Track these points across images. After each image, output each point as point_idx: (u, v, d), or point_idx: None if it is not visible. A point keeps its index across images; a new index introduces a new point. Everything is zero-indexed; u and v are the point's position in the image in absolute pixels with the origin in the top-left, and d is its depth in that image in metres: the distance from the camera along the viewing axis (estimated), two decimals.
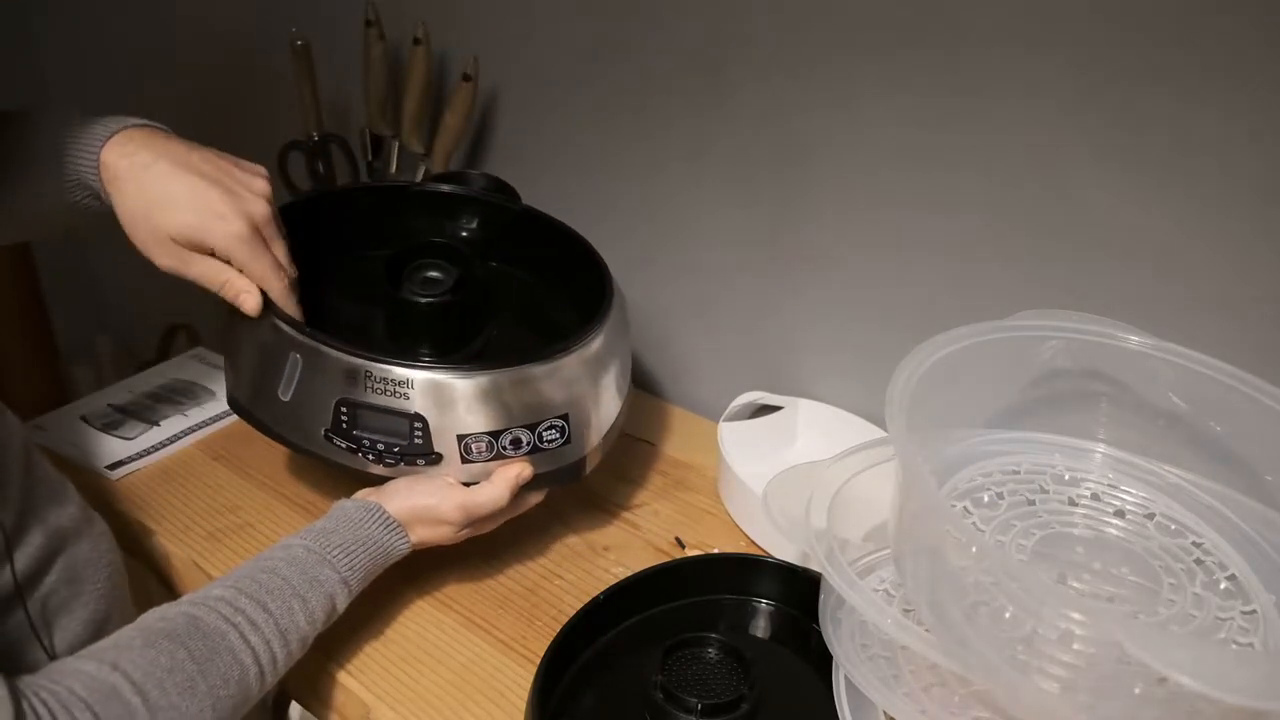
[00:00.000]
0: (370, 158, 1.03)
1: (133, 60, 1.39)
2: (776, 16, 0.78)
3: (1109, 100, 0.66)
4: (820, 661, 0.58)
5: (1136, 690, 0.42)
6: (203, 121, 1.36)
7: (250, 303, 0.64)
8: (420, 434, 0.63)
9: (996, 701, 0.51)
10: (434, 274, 0.72)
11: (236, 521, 0.78)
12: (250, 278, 0.63)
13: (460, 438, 0.64)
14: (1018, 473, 0.61)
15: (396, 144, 1.01)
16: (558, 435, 0.67)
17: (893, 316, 0.83)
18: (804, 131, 0.81)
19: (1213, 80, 0.62)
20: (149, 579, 0.79)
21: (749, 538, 0.78)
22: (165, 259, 0.62)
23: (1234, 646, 0.50)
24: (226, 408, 0.90)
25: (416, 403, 0.63)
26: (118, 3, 1.37)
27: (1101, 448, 0.62)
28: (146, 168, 0.61)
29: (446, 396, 0.63)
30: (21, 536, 0.57)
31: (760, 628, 0.69)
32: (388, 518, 0.64)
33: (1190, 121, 0.63)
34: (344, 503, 0.66)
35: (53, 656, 0.57)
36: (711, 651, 0.61)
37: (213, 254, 0.62)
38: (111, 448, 0.85)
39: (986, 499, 0.59)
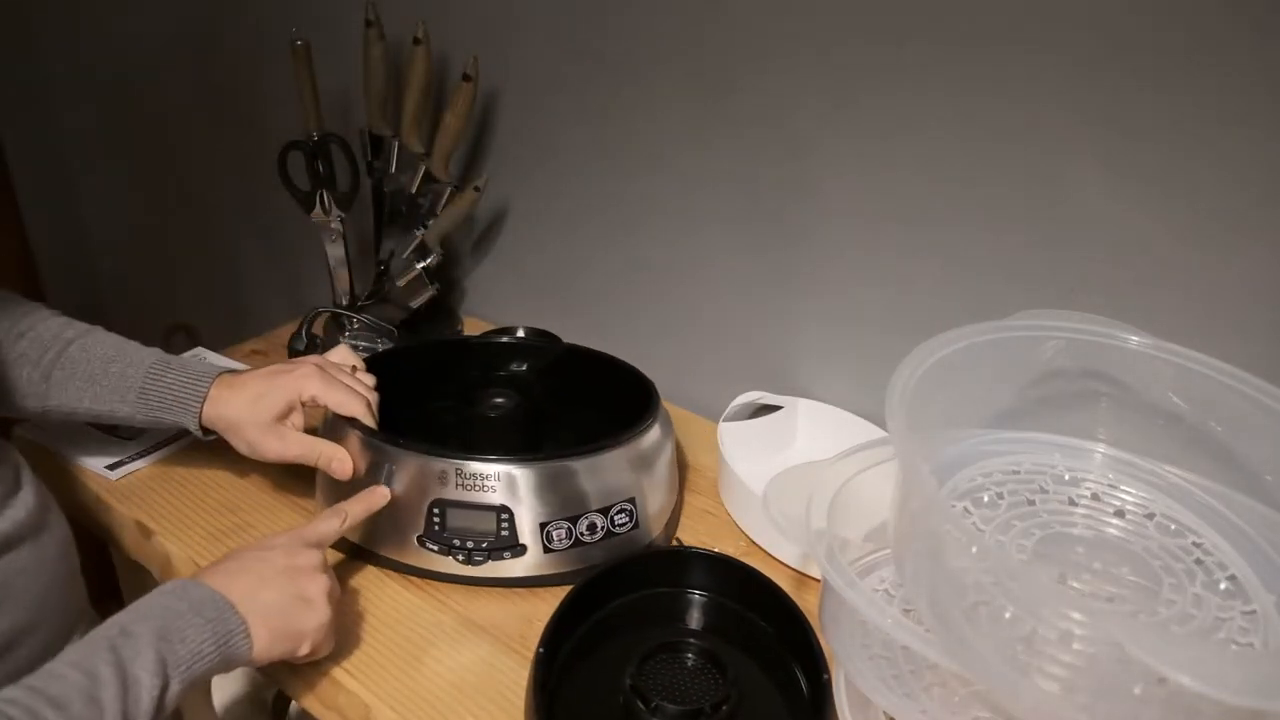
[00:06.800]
0: (370, 157, 1.03)
1: (133, 62, 1.39)
2: (775, 18, 0.78)
3: (1109, 102, 0.66)
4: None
5: (1136, 690, 0.42)
6: (203, 122, 1.37)
7: (342, 470, 0.71)
8: (507, 525, 0.69)
9: (996, 701, 0.51)
10: (498, 399, 0.80)
11: (236, 521, 0.78)
12: (333, 406, 0.72)
13: (542, 525, 0.69)
14: (1018, 473, 0.61)
15: (396, 144, 1.01)
16: (627, 519, 0.72)
17: (893, 316, 0.83)
18: (804, 131, 0.81)
19: (1212, 83, 0.62)
20: (149, 579, 0.79)
21: (749, 538, 0.78)
22: (274, 444, 0.71)
23: (1234, 646, 0.50)
24: None
25: (500, 495, 0.69)
26: (117, 4, 1.37)
27: (1101, 448, 0.62)
28: (233, 387, 0.72)
29: (524, 486, 0.69)
30: None
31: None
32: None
33: (1189, 124, 0.63)
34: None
35: None
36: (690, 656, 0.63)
37: (301, 409, 0.73)
38: (111, 448, 0.85)
39: (986, 499, 0.59)
